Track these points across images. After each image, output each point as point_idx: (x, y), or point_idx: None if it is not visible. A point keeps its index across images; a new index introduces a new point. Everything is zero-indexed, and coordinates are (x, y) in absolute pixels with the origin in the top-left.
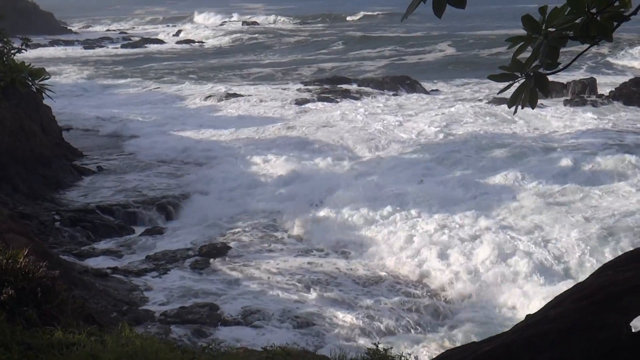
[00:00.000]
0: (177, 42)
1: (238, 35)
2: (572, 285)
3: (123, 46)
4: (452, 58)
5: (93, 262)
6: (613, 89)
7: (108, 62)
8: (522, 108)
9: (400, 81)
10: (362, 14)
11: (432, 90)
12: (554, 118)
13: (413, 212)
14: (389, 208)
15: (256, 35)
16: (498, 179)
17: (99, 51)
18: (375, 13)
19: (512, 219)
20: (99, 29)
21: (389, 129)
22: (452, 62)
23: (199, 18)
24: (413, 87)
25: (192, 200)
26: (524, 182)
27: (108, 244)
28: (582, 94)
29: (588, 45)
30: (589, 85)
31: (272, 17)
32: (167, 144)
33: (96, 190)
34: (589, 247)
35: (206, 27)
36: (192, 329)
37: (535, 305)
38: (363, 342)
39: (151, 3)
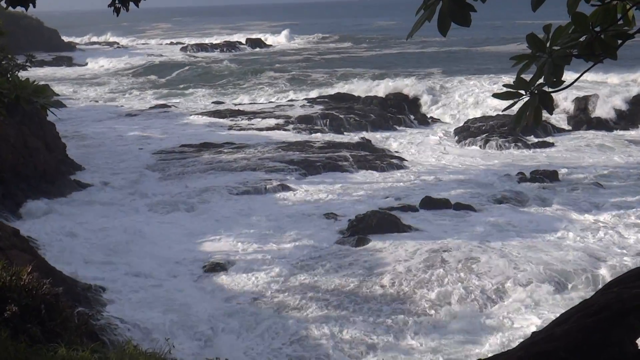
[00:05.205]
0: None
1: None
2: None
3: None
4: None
5: None
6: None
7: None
8: (527, 126)
9: (404, 99)
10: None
11: (431, 117)
12: None
13: None
14: None
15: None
16: None
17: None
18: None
19: None
20: (102, 47)
21: None
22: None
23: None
24: (415, 106)
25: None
26: None
27: None
28: (585, 110)
29: (592, 63)
30: (592, 102)
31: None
32: None
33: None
34: None
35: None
36: (196, 343)
37: None
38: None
39: (157, 20)
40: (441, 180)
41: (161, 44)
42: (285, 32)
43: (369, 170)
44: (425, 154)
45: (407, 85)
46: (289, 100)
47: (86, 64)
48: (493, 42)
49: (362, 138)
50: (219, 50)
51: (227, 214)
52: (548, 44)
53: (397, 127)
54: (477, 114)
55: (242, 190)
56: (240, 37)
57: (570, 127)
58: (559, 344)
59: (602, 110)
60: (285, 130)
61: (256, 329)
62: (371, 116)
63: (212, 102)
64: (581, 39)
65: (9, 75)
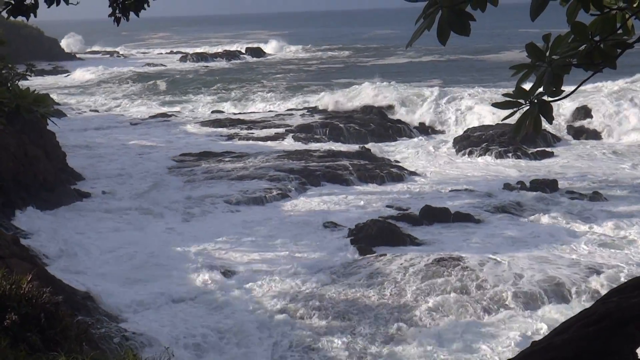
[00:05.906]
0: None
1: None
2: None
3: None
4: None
5: None
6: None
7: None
8: (527, 135)
9: (402, 108)
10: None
11: (430, 127)
12: None
13: None
14: None
15: None
16: None
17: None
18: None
19: None
20: (102, 56)
21: None
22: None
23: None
24: (414, 115)
25: None
26: None
27: None
28: (585, 120)
29: (592, 72)
30: (591, 111)
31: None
32: None
33: None
34: None
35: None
36: (198, 353)
37: None
38: None
39: (156, 29)
40: (441, 189)
41: (161, 53)
42: (273, 42)
43: (369, 180)
44: (425, 163)
45: (406, 94)
46: (288, 110)
47: (84, 72)
48: (493, 51)
49: (362, 147)
50: (219, 59)
51: (227, 223)
52: (547, 53)
53: (397, 137)
54: (477, 123)
55: (242, 200)
56: (240, 46)
57: (570, 137)
58: (558, 353)
59: (602, 119)
60: (284, 139)
61: (258, 339)
62: (371, 125)
63: (212, 111)
64: (581, 48)
65: (9, 85)
